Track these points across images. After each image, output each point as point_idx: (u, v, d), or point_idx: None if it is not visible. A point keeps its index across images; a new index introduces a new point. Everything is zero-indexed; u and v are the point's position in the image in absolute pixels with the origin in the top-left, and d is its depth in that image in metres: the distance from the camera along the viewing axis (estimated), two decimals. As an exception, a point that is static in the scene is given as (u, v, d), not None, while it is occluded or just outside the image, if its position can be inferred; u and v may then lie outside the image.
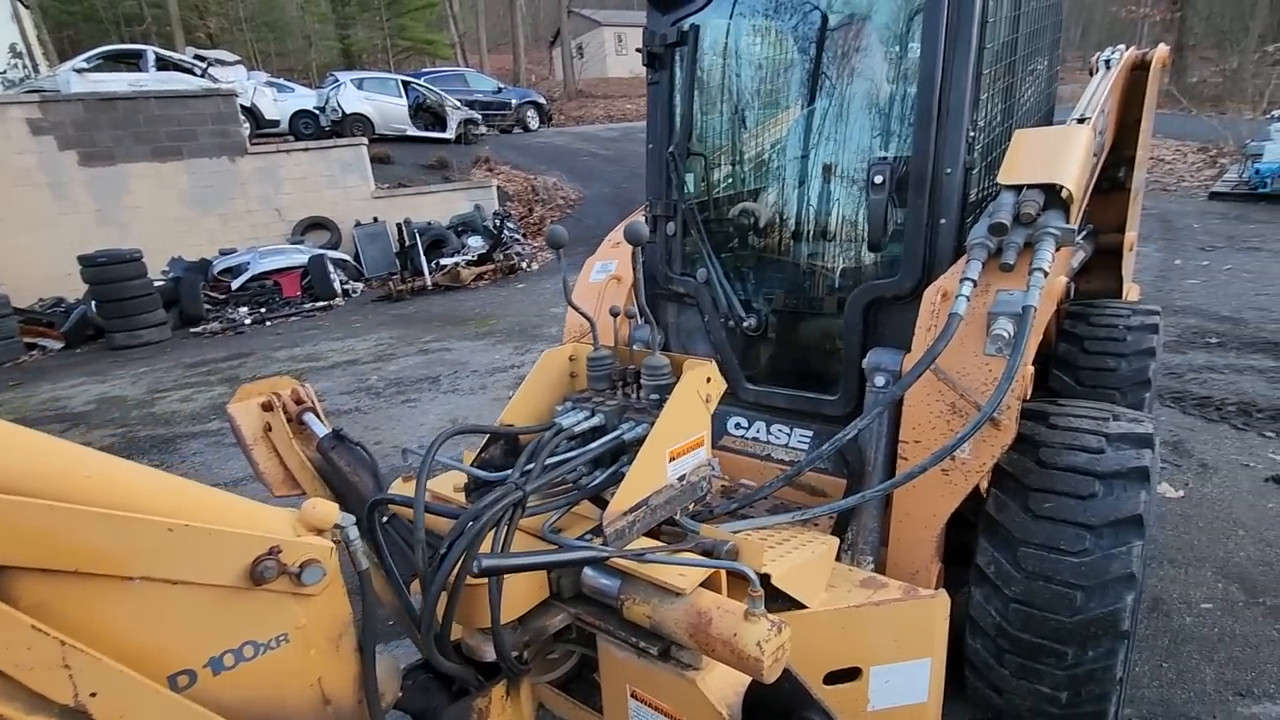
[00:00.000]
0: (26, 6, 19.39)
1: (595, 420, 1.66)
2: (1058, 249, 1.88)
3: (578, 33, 37.92)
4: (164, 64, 14.61)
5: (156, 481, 1.15)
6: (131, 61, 14.48)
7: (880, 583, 1.87)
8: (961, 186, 2.09)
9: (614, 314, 2.03)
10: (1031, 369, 2.05)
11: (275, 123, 16.04)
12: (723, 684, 1.40)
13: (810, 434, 2.46)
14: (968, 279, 1.87)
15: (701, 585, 1.39)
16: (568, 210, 14.67)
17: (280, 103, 16.48)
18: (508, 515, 1.39)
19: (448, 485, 1.81)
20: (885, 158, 2.25)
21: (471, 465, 1.64)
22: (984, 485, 2.06)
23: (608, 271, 2.95)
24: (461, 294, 10.68)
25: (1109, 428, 2.03)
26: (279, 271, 10.84)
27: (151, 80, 13.42)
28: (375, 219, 12.74)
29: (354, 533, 1.27)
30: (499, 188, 14.80)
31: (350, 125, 16.09)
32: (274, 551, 1.15)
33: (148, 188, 11.18)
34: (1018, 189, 1.97)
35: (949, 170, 2.08)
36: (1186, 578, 2.98)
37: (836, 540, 1.94)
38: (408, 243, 11.56)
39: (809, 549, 1.81)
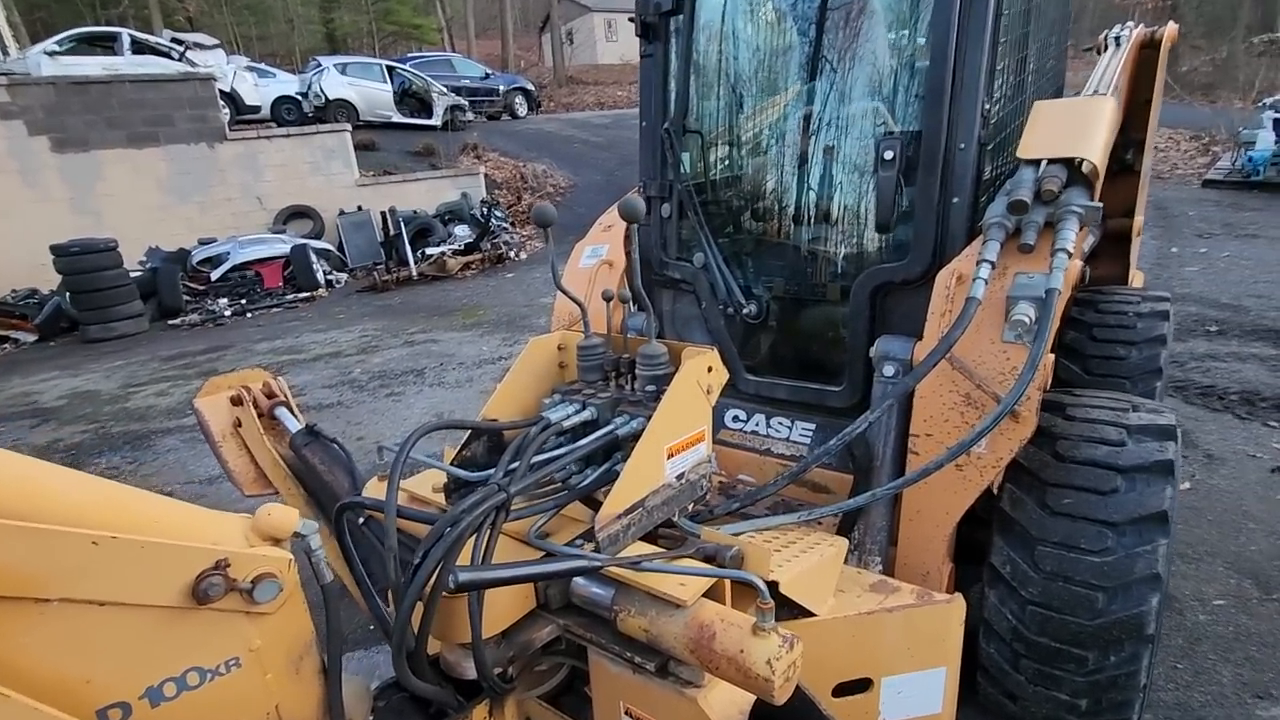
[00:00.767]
0: (-4, -12, 18.82)
1: (586, 414, 1.52)
2: (1081, 228, 1.76)
3: (568, 18, 37.36)
4: (140, 47, 14.21)
5: (83, 488, 1.01)
6: (106, 44, 14.09)
7: (891, 586, 1.75)
8: (976, 163, 1.97)
9: (606, 299, 1.90)
10: (1052, 357, 1.94)
11: (256, 108, 15.74)
12: (726, 703, 1.28)
13: (813, 427, 2.34)
14: (985, 260, 1.76)
15: (704, 595, 1.27)
16: (558, 198, 14.46)
17: (261, 88, 16.18)
18: (490, 519, 1.26)
19: (426, 486, 1.67)
20: (894, 132, 2.12)
21: (451, 464, 1.51)
22: (996, 480, 1.95)
23: (599, 256, 2.81)
24: (448, 284, 10.48)
25: (1129, 419, 1.93)
26: (260, 261, 10.60)
27: (126, 64, 13.04)
28: (359, 207, 12.48)
29: (316, 541, 1.15)
30: (487, 175, 14.59)
31: (334, 111, 15.79)
32: (221, 565, 1.03)
33: (123, 175, 10.87)
34: (1037, 164, 1.85)
35: (963, 146, 1.95)
36: (1198, 573, 2.90)
37: (845, 542, 1.82)
38: (393, 232, 11.34)
39: (817, 551, 1.69)
